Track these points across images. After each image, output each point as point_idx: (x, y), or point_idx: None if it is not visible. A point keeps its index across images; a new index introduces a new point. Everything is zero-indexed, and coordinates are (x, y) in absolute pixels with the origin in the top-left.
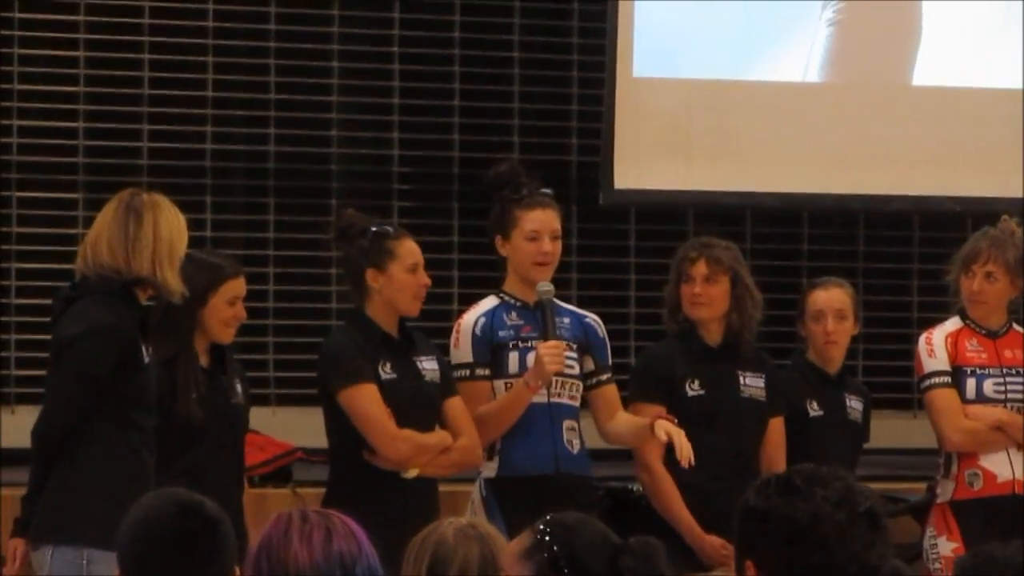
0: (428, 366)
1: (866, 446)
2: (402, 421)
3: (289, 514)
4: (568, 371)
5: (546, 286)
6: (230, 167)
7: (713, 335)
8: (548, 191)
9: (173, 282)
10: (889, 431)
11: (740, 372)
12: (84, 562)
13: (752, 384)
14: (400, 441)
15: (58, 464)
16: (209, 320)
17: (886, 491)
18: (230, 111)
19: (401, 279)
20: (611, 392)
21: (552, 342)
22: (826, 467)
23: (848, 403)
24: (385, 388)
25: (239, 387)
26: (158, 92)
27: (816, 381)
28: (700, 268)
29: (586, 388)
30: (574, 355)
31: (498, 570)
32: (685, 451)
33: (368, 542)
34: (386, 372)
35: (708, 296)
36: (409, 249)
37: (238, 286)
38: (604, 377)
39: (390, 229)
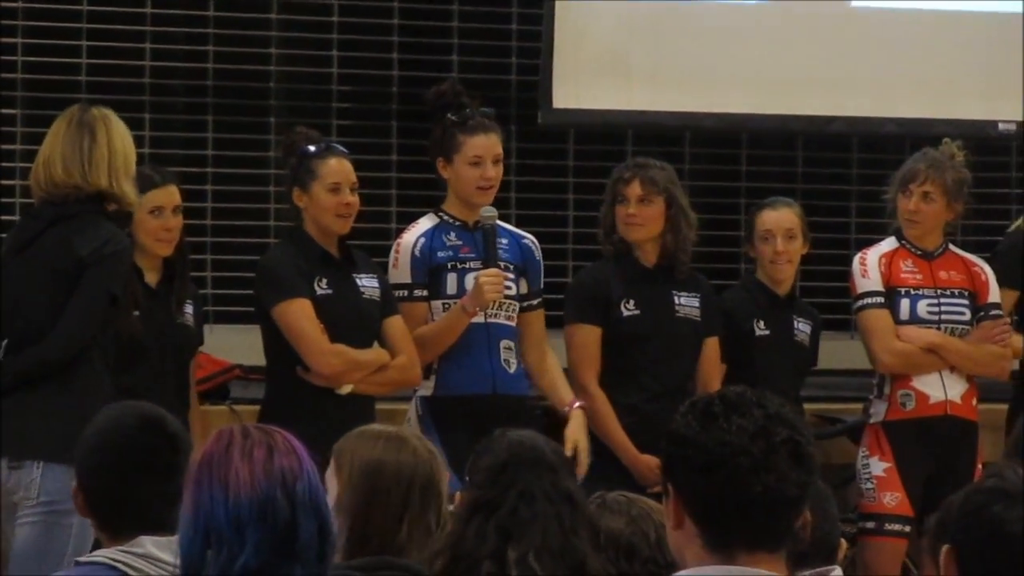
0: (368, 284)
1: None
2: (338, 337)
3: (230, 430)
4: (506, 291)
5: (489, 211)
6: (169, 84)
7: (648, 256)
8: (490, 111)
9: (131, 193)
10: (827, 352)
11: (675, 292)
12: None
13: (687, 304)
14: (331, 356)
15: (44, 385)
16: (137, 233)
17: (824, 412)
18: (169, 27)
19: (322, 199)
20: (537, 321)
21: (492, 270)
22: (753, 391)
23: (796, 324)
24: (320, 303)
25: (190, 308)
26: (97, 8)
27: (764, 301)
28: (634, 189)
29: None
30: (511, 276)
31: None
32: (582, 468)
33: (309, 459)
34: (321, 288)
35: (642, 217)
36: (331, 168)
37: (158, 197)
38: (535, 302)
39: (312, 148)
